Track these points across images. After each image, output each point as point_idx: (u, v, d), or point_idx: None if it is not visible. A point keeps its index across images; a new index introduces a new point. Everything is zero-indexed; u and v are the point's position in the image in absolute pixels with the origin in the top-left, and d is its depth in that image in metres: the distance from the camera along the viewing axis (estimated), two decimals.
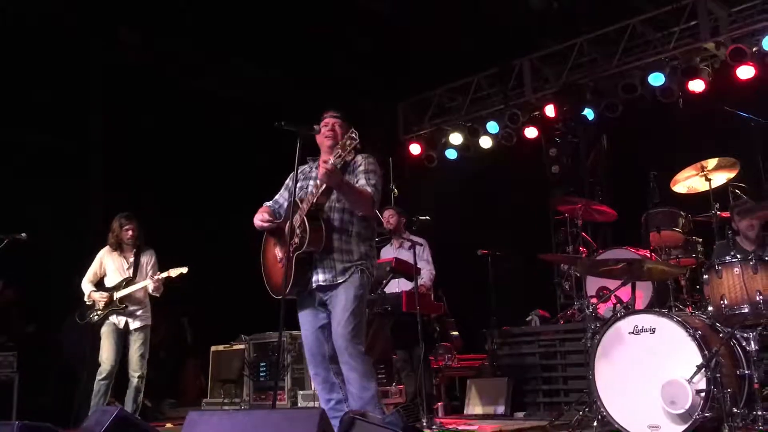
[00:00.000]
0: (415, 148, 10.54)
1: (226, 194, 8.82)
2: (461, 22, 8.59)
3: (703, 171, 5.73)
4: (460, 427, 5.65)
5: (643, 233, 6.15)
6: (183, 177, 8.88)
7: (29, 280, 7.78)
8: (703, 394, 4.18)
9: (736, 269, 4.57)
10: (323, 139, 4.27)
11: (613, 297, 5.47)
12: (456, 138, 10.15)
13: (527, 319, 7.67)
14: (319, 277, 4.09)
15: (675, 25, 8.31)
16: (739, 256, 4.63)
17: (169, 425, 7.17)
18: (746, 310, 4.50)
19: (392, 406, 5.99)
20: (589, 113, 9.02)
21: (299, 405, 7.17)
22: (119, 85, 8.46)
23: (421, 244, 6.65)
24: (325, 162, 3.92)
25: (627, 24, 8.61)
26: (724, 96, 7.61)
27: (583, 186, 8.92)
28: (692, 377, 4.20)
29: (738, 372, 4.43)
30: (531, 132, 9.53)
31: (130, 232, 6.44)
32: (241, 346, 8.24)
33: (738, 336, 4.54)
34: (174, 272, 6.32)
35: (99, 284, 6.47)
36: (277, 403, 7.00)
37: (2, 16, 7.45)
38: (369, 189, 4.10)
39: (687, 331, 4.35)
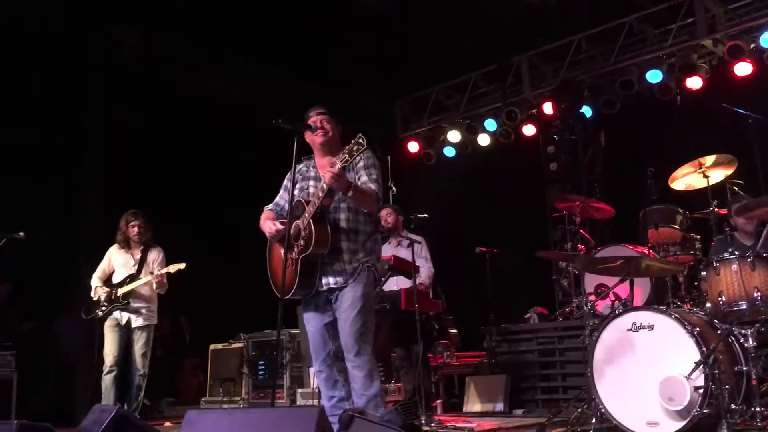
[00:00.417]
0: (413, 146, 10.55)
1: (224, 193, 8.82)
2: (459, 20, 8.59)
3: (701, 168, 5.72)
4: (459, 425, 5.66)
5: (641, 230, 6.15)
6: (182, 176, 8.87)
7: (27, 279, 7.78)
8: (701, 391, 4.18)
9: (733, 266, 4.57)
10: (314, 138, 4.25)
11: (611, 294, 5.48)
12: (454, 136, 10.16)
13: (526, 316, 7.68)
14: (330, 281, 4.08)
15: (672, 22, 8.32)
16: (737, 252, 4.63)
17: (167, 424, 7.17)
18: (744, 307, 4.50)
19: (391, 403, 5.99)
20: (586, 110, 9.04)
21: (298, 403, 7.18)
22: (118, 85, 8.44)
23: (420, 242, 6.66)
24: (332, 166, 3.86)
25: (624, 21, 8.62)
26: (722, 93, 7.62)
27: (581, 183, 8.91)
28: (690, 374, 4.20)
29: (736, 368, 4.43)
30: (529, 129, 9.54)
31: (135, 229, 6.52)
32: (240, 345, 8.24)
33: (736, 332, 4.54)
34: (172, 268, 6.36)
35: (108, 281, 6.55)
36: (276, 401, 7.01)
37: (1, 15, 7.44)
38: (373, 186, 4.10)
39: (685, 327, 4.35)
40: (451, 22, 8.59)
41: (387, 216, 6.69)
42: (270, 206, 4.49)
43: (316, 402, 6.49)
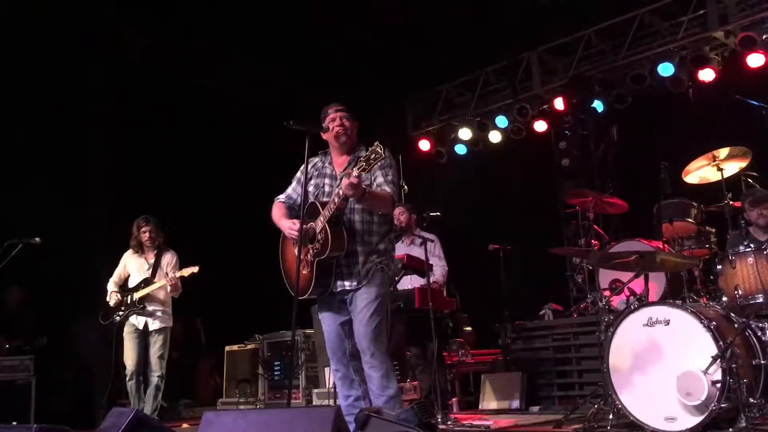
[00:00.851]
0: (424, 144, 10.54)
1: (236, 193, 8.84)
2: (468, 17, 8.56)
3: (714, 161, 5.70)
4: (475, 422, 5.65)
5: (655, 224, 6.11)
6: (194, 177, 8.91)
7: (44, 284, 7.84)
8: (719, 385, 4.16)
9: (749, 259, 4.55)
10: (332, 135, 4.25)
11: (626, 289, 5.46)
12: (465, 133, 10.14)
13: (540, 313, 7.65)
14: (345, 283, 4.10)
15: (683, 15, 8.25)
16: (752, 245, 4.61)
17: (185, 425, 7.22)
18: (761, 300, 4.48)
19: (407, 402, 5.98)
20: (598, 105, 8.98)
21: (314, 403, 7.19)
22: (125, 86, 8.47)
23: (432, 240, 6.65)
24: (349, 175, 3.83)
25: (635, 14, 8.56)
26: (735, 84, 7.56)
27: (593, 178, 8.87)
28: (708, 368, 4.18)
29: (754, 362, 4.41)
30: (540, 125, 9.50)
31: (147, 234, 6.62)
32: (255, 346, 8.27)
33: (753, 326, 4.51)
34: (186, 272, 6.47)
35: (124, 285, 6.67)
36: (292, 401, 7.03)
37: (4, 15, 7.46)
38: (387, 188, 4.10)
39: (701, 322, 4.32)
40: (460, 19, 8.57)
41: (399, 215, 6.69)
42: (282, 197, 4.47)
43: (332, 402, 6.50)
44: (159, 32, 8.48)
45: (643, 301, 5.02)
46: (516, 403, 6.71)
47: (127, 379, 6.41)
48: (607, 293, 5.92)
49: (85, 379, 8.11)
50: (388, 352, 4.11)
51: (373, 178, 4.13)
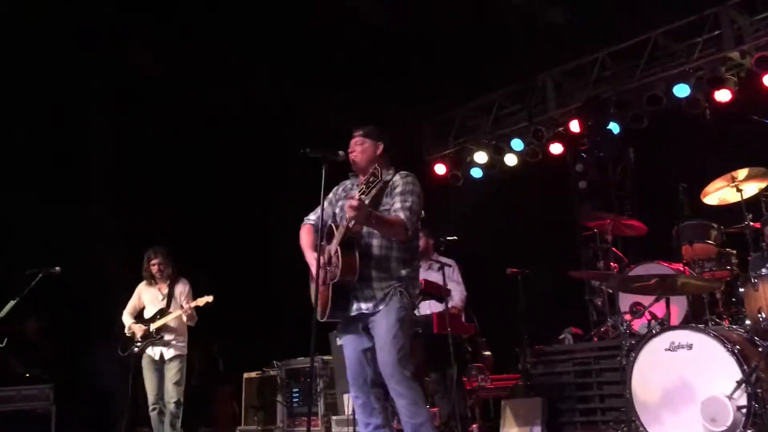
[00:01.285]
0: (440, 168, 10.54)
1: (253, 219, 8.88)
2: (482, 40, 8.60)
3: (733, 182, 5.66)
4: None
5: (674, 247, 6.06)
6: (212, 202, 8.97)
7: (62, 313, 7.89)
8: (744, 411, 4.10)
9: None
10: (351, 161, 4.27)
11: (647, 313, 5.40)
12: (481, 156, 10.13)
13: (560, 337, 7.57)
14: (361, 306, 4.06)
15: (698, 36, 8.24)
16: None
17: None
18: None
19: None
20: (614, 127, 8.95)
21: (333, 431, 7.14)
22: (138, 104, 8.55)
23: (450, 265, 6.62)
24: (351, 198, 3.86)
25: (649, 36, 8.56)
26: (752, 105, 7.51)
27: (611, 201, 8.81)
28: (732, 393, 4.12)
29: None
30: (556, 148, 9.48)
31: (156, 267, 6.73)
32: (274, 373, 8.25)
33: None
34: (201, 301, 6.57)
35: (139, 316, 6.76)
36: (311, 429, 6.98)
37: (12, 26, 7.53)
38: (401, 214, 4.04)
39: (725, 346, 4.27)
40: (474, 42, 8.62)
41: None
42: (312, 219, 4.46)
43: (350, 430, 6.46)
44: (161, 34, 8.46)
45: (664, 326, 4.96)
46: (537, 429, 6.62)
47: (150, 409, 6.49)
48: (627, 317, 5.86)
49: (104, 408, 8.13)
50: (415, 378, 4.01)
51: (391, 203, 4.11)
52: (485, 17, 8.25)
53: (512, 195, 9.82)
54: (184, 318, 6.58)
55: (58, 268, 6.00)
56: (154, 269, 6.72)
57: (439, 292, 6.08)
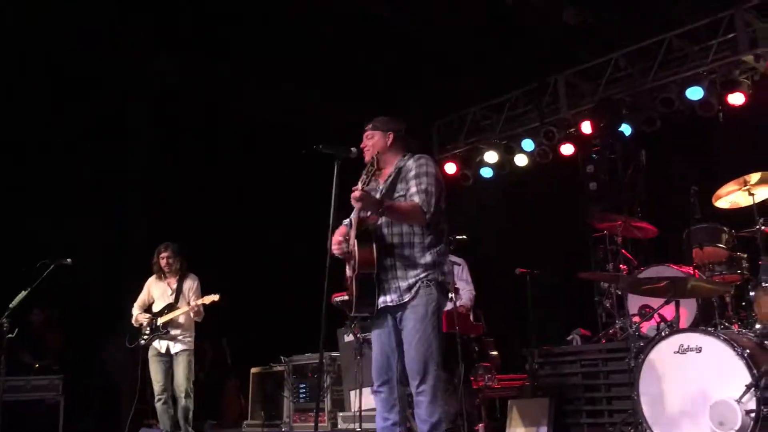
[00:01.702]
0: (450, 167, 10.53)
1: (264, 216, 8.91)
2: (495, 40, 8.59)
3: (746, 185, 5.64)
4: None
5: (684, 249, 6.04)
6: (222, 200, 9.00)
7: (73, 304, 7.95)
8: (753, 415, 4.09)
9: None
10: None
11: (656, 315, 5.38)
12: (491, 156, 10.12)
13: (568, 338, 7.56)
14: (387, 298, 3.96)
15: (712, 38, 8.20)
16: None
17: None
18: None
19: None
20: (626, 128, 8.92)
21: (339, 427, 7.16)
22: (159, 112, 8.62)
23: (460, 264, 6.63)
24: (354, 189, 3.81)
25: (663, 38, 8.53)
26: (765, 109, 7.48)
27: (621, 202, 8.79)
28: (741, 397, 4.11)
29: None
30: (567, 149, 9.45)
31: (165, 260, 6.84)
32: (281, 368, 8.27)
33: None
34: (207, 299, 6.67)
35: (148, 310, 6.87)
36: (318, 424, 7.00)
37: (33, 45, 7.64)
38: (416, 198, 3.92)
39: (735, 349, 4.26)
40: (486, 42, 8.60)
41: None
42: (347, 221, 4.37)
43: (357, 426, 6.47)
44: (190, 57, 8.60)
45: (674, 328, 4.95)
46: (544, 430, 6.62)
47: (155, 400, 6.59)
48: (636, 319, 5.85)
49: (112, 398, 8.19)
50: (441, 378, 3.92)
51: (408, 188, 4.02)
52: (498, 16, 8.23)
53: (522, 195, 9.81)
54: (191, 314, 6.70)
55: (69, 260, 6.06)
56: (163, 263, 6.82)
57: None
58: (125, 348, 6.84)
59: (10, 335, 5.78)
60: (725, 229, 5.95)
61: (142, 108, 8.74)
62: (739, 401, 4.10)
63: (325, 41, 8.39)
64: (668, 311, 5.28)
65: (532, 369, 7.21)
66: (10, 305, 5.80)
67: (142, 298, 6.91)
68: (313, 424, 5.96)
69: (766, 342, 4.52)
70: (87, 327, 8.12)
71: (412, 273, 3.93)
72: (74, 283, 7.10)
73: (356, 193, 3.77)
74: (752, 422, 4.08)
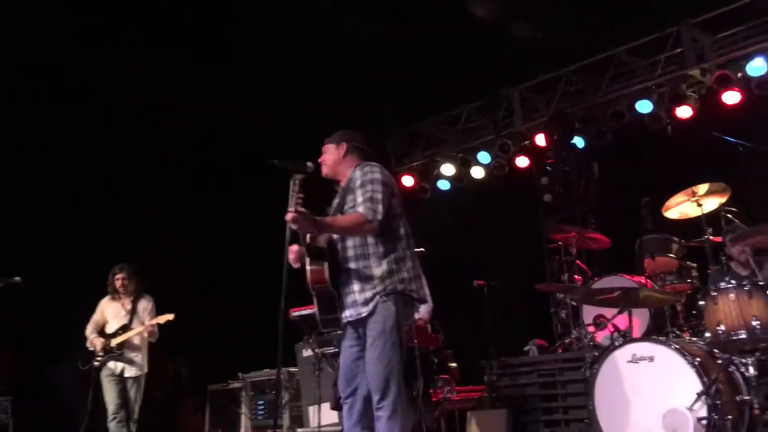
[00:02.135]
0: (407, 180, 10.57)
1: (220, 232, 8.81)
2: (450, 54, 8.67)
3: (694, 196, 5.78)
4: None
5: (637, 260, 6.16)
6: (180, 215, 8.87)
7: (23, 324, 7.74)
8: (704, 422, 4.17)
9: (731, 295, 4.58)
10: None
11: (610, 325, 5.47)
12: (448, 169, 10.19)
13: (525, 348, 7.63)
14: (346, 313, 3.92)
15: (660, 53, 8.41)
16: (734, 281, 4.65)
17: None
18: (743, 336, 4.50)
19: None
20: (579, 141, 9.09)
21: None
22: (121, 125, 8.47)
23: None
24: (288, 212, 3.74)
25: (613, 53, 8.72)
26: (712, 121, 7.69)
27: (575, 214, 8.93)
28: (692, 405, 4.20)
29: (737, 398, 4.43)
30: (522, 161, 9.57)
31: (120, 282, 6.78)
32: (238, 385, 8.17)
33: (736, 362, 4.54)
34: (161, 319, 6.64)
35: (102, 332, 6.76)
36: None
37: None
38: (360, 208, 3.84)
39: (685, 358, 4.35)
40: (442, 56, 8.67)
41: None
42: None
43: None
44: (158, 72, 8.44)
45: (627, 338, 5.03)
46: None
47: (109, 419, 6.50)
48: (591, 329, 5.94)
49: (63, 420, 7.97)
50: (401, 394, 3.84)
51: (355, 198, 3.95)
52: (453, 32, 8.31)
53: (479, 207, 9.89)
54: (145, 334, 6.65)
55: (18, 278, 5.91)
56: (118, 284, 6.77)
57: None
58: (76, 369, 6.71)
59: None
60: (675, 239, 6.10)
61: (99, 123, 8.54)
62: (690, 409, 4.19)
63: (281, 53, 8.36)
64: (622, 321, 5.38)
65: (490, 380, 7.26)
66: None
67: (96, 319, 6.80)
68: None
69: (715, 350, 4.62)
70: (38, 347, 7.91)
71: (368, 286, 3.86)
72: (25, 302, 6.91)
73: (288, 216, 3.70)
74: (703, 429, 4.16)
